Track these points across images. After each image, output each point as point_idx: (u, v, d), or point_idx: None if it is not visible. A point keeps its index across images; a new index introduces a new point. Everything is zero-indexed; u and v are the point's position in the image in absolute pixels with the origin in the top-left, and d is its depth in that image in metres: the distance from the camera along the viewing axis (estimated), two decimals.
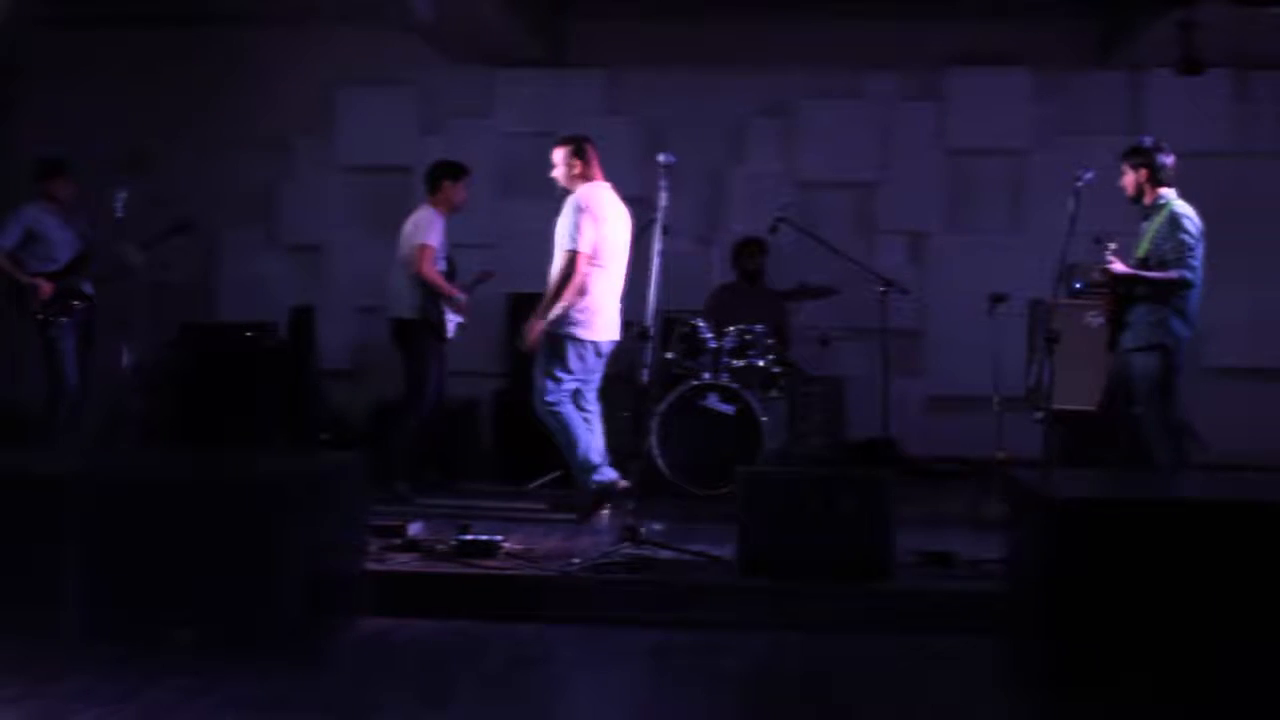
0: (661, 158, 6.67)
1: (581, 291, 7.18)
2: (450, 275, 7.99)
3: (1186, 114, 9.42)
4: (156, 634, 4.93)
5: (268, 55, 9.91)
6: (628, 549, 6.14)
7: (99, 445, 8.63)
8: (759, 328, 8.33)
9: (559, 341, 7.22)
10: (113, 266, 8.14)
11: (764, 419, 7.95)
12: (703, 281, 9.58)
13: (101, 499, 5.08)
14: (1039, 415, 7.23)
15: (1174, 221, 6.75)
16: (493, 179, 9.65)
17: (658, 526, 6.69)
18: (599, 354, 7.34)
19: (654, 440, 7.82)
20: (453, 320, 7.92)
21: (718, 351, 8.16)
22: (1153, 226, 6.83)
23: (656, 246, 6.60)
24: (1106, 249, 6.81)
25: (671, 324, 8.18)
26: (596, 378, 7.41)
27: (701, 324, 8.27)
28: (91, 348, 8.33)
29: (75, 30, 9.84)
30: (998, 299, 8.07)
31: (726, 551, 6.11)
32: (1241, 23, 8.24)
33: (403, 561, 6.11)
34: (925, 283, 9.83)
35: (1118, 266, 6.75)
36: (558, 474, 8.10)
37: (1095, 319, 7.76)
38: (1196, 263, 6.73)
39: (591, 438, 7.28)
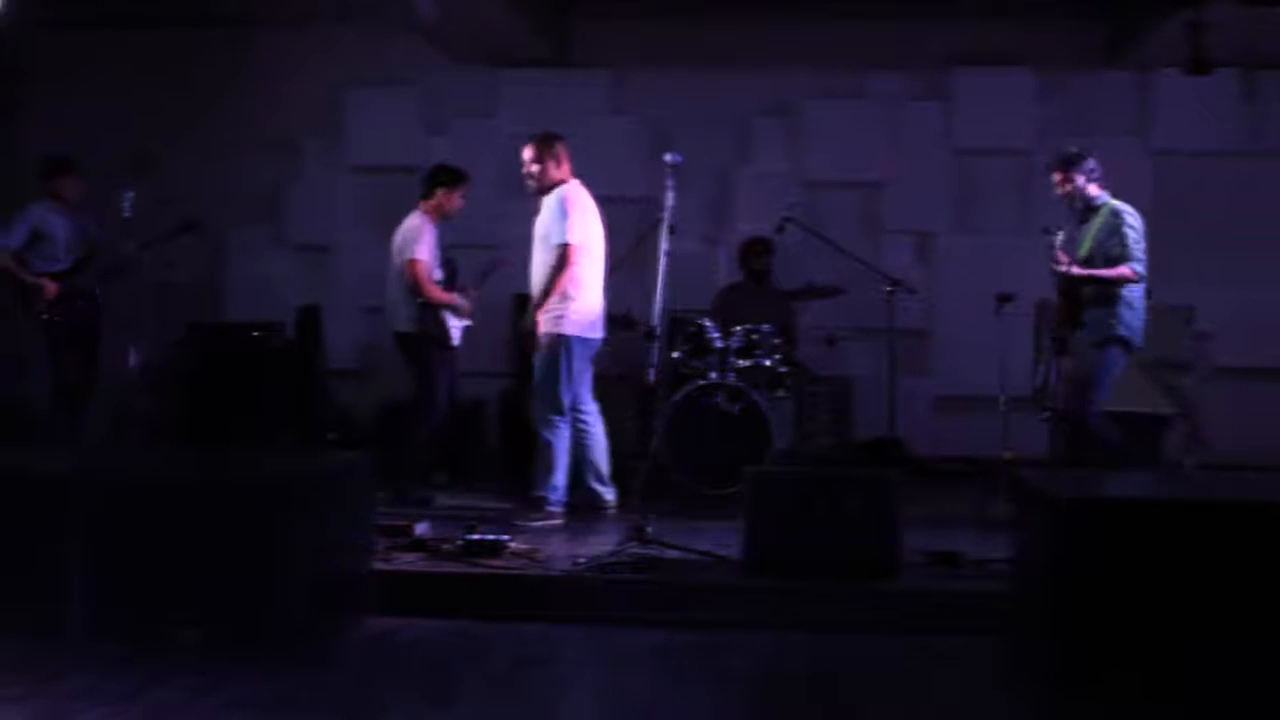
0: (668, 157, 6.66)
1: (577, 288, 7.18)
2: (451, 277, 7.94)
3: (1195, 114, 9.42)
4: (162, 633, 4.93)
5: (274, 56, 9.94)
6: (634, 549, 6.14)
7: (106, 444, 8.64)
8: (766, 327, 8.31)
9: (559, 344, 7.21)
10: (115, 264, 8.15)
11: (771, 419, 7.94)
12: (709, 281, 9.58)
13: (107, 498, 5.08)
14: (1045, 415, 7.25)
15: (1115, 216, 6.95)
16: (497, 179, 9.64)
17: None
18: (592, 353, 7.35)
19: (661, 440, 7.81)
20: (456, 326, 7.86)
21: (724, 351, 8.14)
22: (1093, 226, 7.01)
23: (663, 246, 6.60)
24: (1054, 239, 6.91)
25: (678, 324, 8.18)
26: (588, 377, 7.41)
27: (708, 324, 8.26)
28: (97, 347, 8.34)
29: (82, 31, 9.87)
30: (1004, 299, 8.07)
31: (733, 551, 6.10)
32: (1250, 22, 8.21)
33: (409, 561, 6.11)
34: (932, 283, 9.82)
35: (1075, 270, 6.87)
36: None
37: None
38: (1142, 254, 6.89)
39: (568, 466, 7.31)
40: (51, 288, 8.12)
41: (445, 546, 6.28)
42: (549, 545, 6.51)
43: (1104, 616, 4.58)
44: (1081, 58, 9.91)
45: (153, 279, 8.18)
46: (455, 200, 7.93)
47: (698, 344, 8.21)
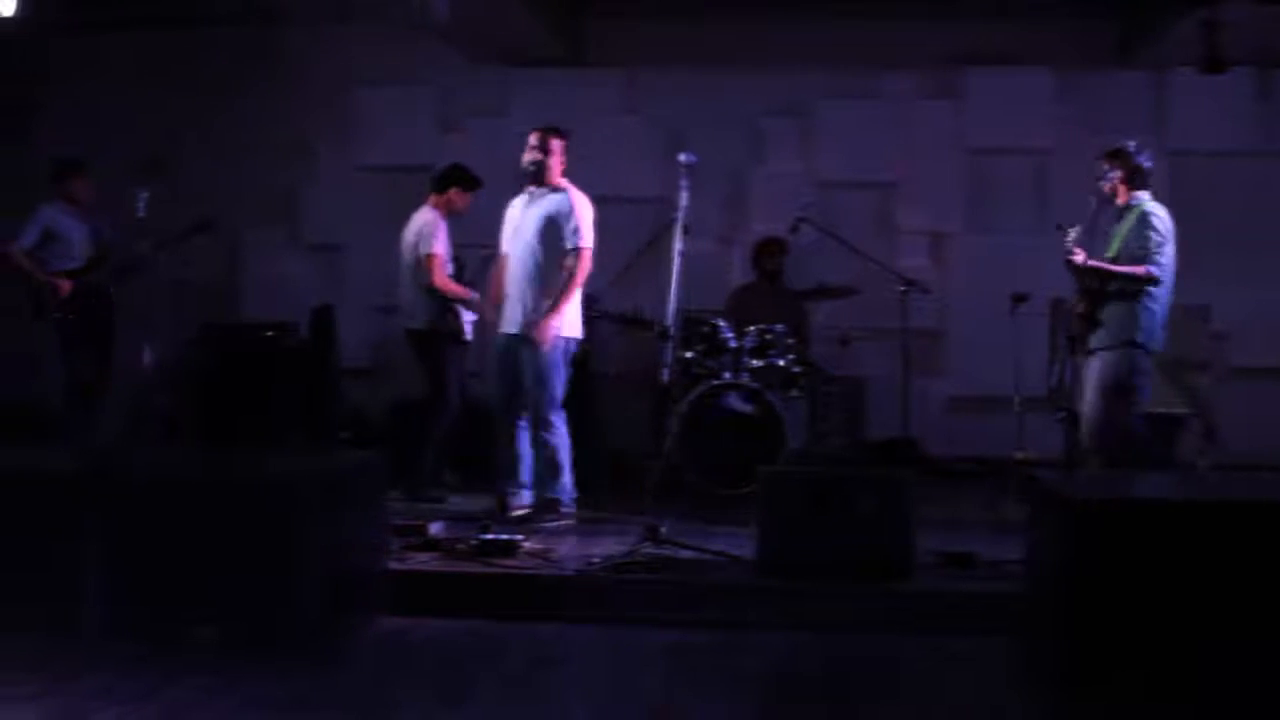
0: (683, 157, 6.66)
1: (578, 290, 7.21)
2: (458, 274, 7.97)
3: (1209, 113, 9.39)
4: (177, 632, 4.94)
5: (287, 57, 9.95)
6: (647, 549, 6.14)
7: (120, 443, 8.66)
8: (779, 327, 8.31)
9: (561, 345, 7.21)
10: (129, 264, 8.17)
11: (784, 419, 7.93)
12: (723, 281, 9.59)
13: (122, 497, 5.10)
14: (1060, 415, 7.22)
15: (1143, 220, 6.79)
16: (510, 179, 9.62)
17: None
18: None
19: (674, 440, 7.80)
20: (468, 321, 7.90)
21: (738, 351, 8.14)
22: (1124, 226, 6.88)
23: (677, 246, 6.60)
24: (1067, 236, 6.84)
25: (692, 323, 8.17)
26: None
27: (722, 324, 8.26)
28: (111, 346, 8.36)
29: (96, 34, 9.88)
30: (1019, 299, 8.05)
31: (746, 551, 6.10)
32: (1265, 21, 8.20)
33: (422, 561, 6.12)
34: (946, 283, 9.81)
35: (1079, 257, 6.78)
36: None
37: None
38: (1165, 260, 6.75)
39: (571, 463, 7.29)
40: (65, 287, 8.15)
41: (459, 546, 6.29)
42: (563, 545, 6.51)
43: (1116, 617, 4.57)
44: (1095, 57, 9.90)
45: (168, 278, 8.20)
46: (465, 200, 7.97)
47: (711, 344, 8.21)
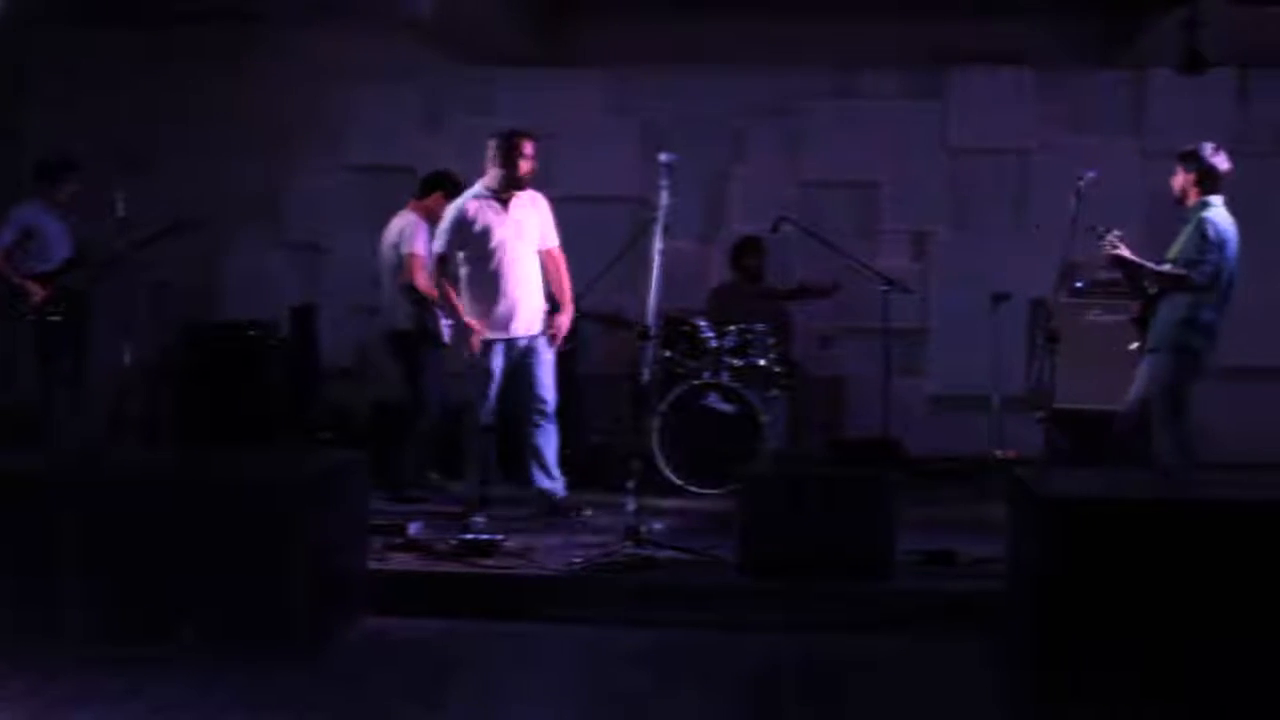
0: (663, 157, 6.67)
1: None
2: None
3: (1189, 114, 9.41)
4: (159, 633, 4.94)
5: (271, 55, 9.91)
6: (628, 549, 6.15)
7: (100, 443, 8.63)
8: (760, 327, 8.32)
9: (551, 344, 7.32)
10: (106, 262, 8.14)
11: (765, 418, 7.94)
12: (703, 281, 9.58)
13: (103, 498, 5.09)
14: (1040, 415, 7.24)
15: (1201, 223, 6.76)
16: None
17: (659, 525, 6.69)
18: None
19: (655, 440, 7.81)
20: (447, 324, 7.88)
21: (719, 351, 8.15)
22: (1187, 230, 6.84)
23: (657, 246, 6.60)
24: (1108, 236, 6.81)
25: (672, 323, 8.18)
26: None
27: (702, 323, 8.27)
28: (87, 347, 8.33)
29: (79, 28, 9.83)
30: (999, 298, 8.08)
31: (727, 551, 6.11)
32: (1245, 21, 8.23)
33: (403, 561, 6.12)
34: (927, 282, 9.82)
35: (1121, 251, 6.76)
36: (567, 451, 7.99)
37: (1098, 316, 7.77)
38: (1209, 267, 6.71)
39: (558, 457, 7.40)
40: (39, 291, 8.10)
41: (440, 546, 6.30)
42: (544, 545, 6.51)
43: (1096, 616, 4.59)
44: (1076, 57, 9.90)
45: (148, 277, 8.18)
46: (445, 206, 7.97)
47: (692, 344, 8.22)
